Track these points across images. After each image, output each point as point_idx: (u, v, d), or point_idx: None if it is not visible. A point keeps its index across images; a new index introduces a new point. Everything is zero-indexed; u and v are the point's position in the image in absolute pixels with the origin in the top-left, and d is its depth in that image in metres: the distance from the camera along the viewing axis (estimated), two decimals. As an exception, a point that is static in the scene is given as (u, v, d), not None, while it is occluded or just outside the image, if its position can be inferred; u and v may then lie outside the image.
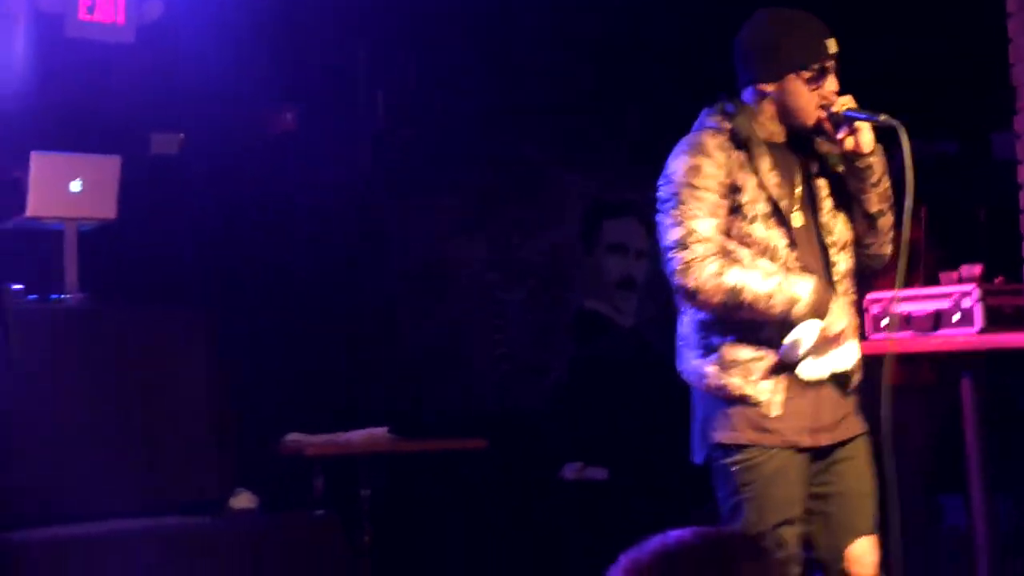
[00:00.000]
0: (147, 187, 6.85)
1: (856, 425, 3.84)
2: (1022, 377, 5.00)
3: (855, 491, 3.79)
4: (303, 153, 7.62)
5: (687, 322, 3.78)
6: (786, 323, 3.63)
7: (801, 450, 3.70)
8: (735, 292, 3.59)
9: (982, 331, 5.23)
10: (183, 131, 7.34)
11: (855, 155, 3.70)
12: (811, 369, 3.68)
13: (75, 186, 6.21)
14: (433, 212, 8.07)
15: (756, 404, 3.66)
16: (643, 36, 8.08)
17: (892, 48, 7.66)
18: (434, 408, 7.61)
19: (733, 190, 3.67)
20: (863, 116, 3.68)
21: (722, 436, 3.71)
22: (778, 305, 3.59)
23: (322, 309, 7.25)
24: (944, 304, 5.33)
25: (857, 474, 3.80)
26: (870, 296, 5.63)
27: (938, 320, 5.35)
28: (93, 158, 6.31)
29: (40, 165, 6.15)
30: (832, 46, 3.71)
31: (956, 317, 5.28)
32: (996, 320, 5.26)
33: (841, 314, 3.68)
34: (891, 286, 5.96)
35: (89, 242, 6.28)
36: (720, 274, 3.60)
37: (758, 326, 3.66)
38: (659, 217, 3.71)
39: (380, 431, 6.40)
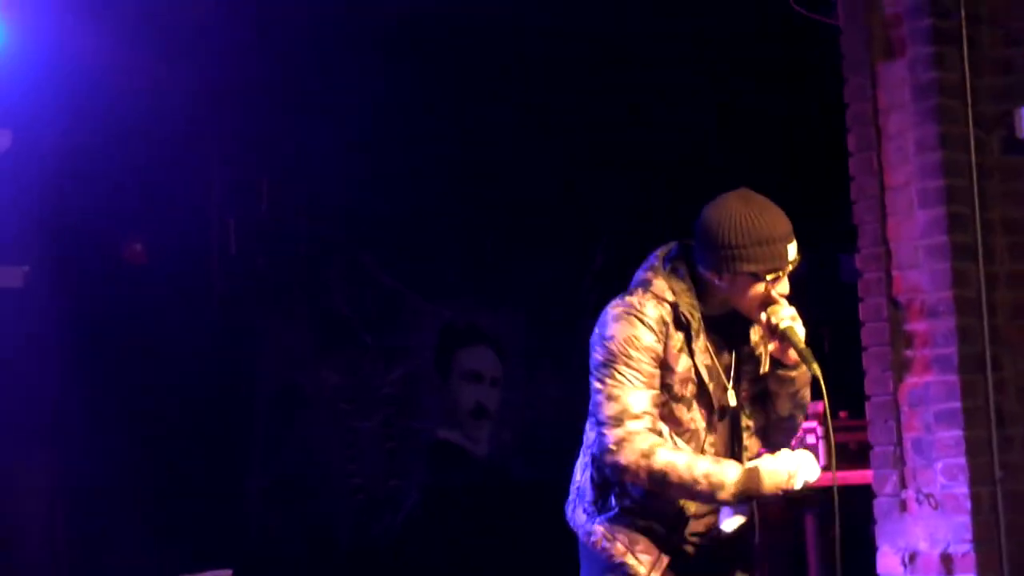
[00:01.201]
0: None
1: None
2: (868, 509, 5.01)
3: None
4: (153, 283, 7.50)
5: (586, 477, 3.74)
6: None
7: None
8: (662, 474, 3.53)
9: (825, 468, 5.27)
10: (28, 264, 7.19)
11: (781, 363, 3.66)
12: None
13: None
14: (286, 339, 7.97)
15: (634, 574, 3.65)
16: (497, 159, 8.11)
17: (739, 169, 7.77)
18: (282, 545, 7.46)
19: (665, 366, 3.62)
20: (791, 343, 3.60)
21: None
22: (704, 491, 3.55)
23: (165, 439, 7.10)
24: (789, 441, 5.36)
25: None
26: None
27: (783, 457, 5.37)
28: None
29: None
30: (792, 252, 3.61)
31: (800, 454, 5.31)
32: (839, 457, 5.30)
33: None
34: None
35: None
36: (650, 455, 3.53)
37: (652, 499, 3.63)
38: (593, 382, 3.63)
39: (225, 573, 6.24)
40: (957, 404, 4.86)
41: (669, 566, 3.64)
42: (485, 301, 8.28)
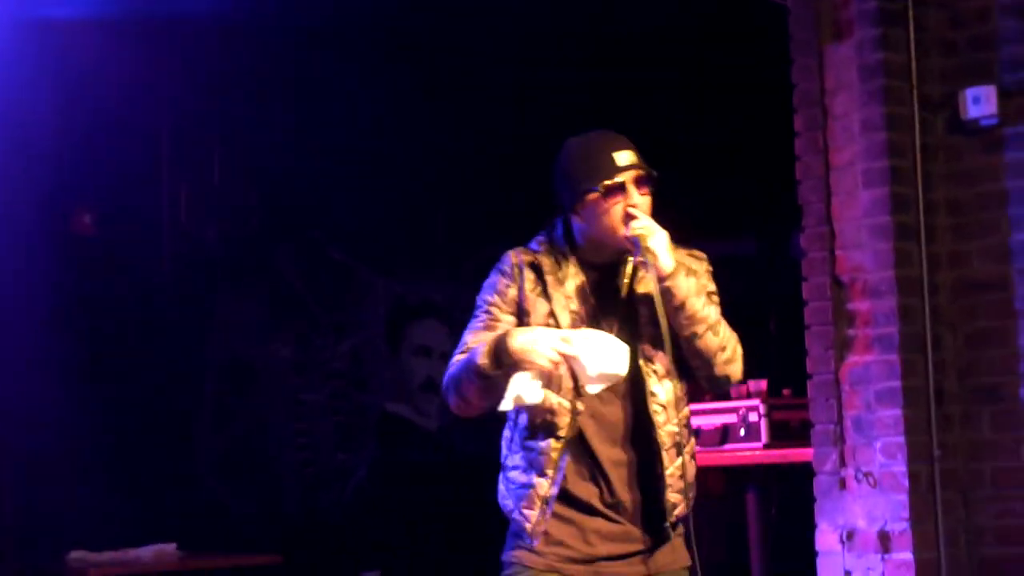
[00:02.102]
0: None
1: (668, 560, 3.67)
2: (807, 485, 5.05)
3: None
4: (103, 254, 7.46)
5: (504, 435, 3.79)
6: (497, 391, 3.53)
7: (578, 560, 3.64)
8: (456, 378, 3.56)
9: (767, 446, 5.33)
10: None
11: (660, 278, 3.58)
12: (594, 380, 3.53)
13: None
14: (236, 312, 7.95)
15: (523, 529, 3.64)
16: (449, 135, 8.11)
17: (691, 146, 7.79)
18: (229, 519, 7.45)
19: (523, 311, 3.63)
20: (636, 246, 3.56)
21: (503, 553, 3.70)
22: (472, 362, 3.51)
23: (114, 412, 7.07)
24: (731, 418, 5.43)
25: None
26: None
27: (725, 434, 5.44)
28: None
29: None
30: (623, 158, 3.62)
31: (742, 431, 5.37)
32: (781, 435, 5.36)
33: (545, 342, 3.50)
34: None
35: None
36: (448, 369, 3.60)
37: (533, 453, 3.62)
38: None
39: (169, 547, 6.24)
40: (897, 383, 4.89)
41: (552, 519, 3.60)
42: (436, 276, 8.29)
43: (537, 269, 3.64)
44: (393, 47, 7.63)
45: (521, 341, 3.45)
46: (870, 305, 5.00)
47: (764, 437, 5.33)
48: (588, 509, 3.63)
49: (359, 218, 8.20)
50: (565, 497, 3.62)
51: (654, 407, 3.60)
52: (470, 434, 8.11)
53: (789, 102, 5.37)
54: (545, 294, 3.61)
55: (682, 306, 3.55)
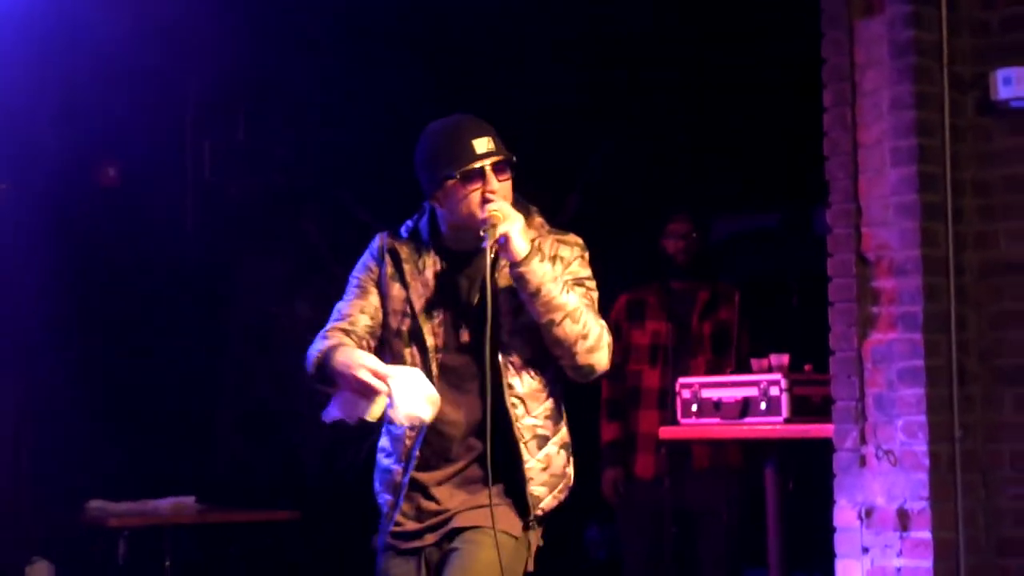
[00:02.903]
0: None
1: (472, 518, 3.63)
2: (828, 461, 5.06)
3: None
4: (127, 208, 7.48)
5: None
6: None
7: (404, 552, 3.67)
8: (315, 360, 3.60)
9: (787, 420, 5.33)
10: (3, 183, 7.16)
11: (513, 264, 3.57)
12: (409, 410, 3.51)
13: None
14: (259, 270, 7.97)
15: (383, 513, 3.72)
16: (474, 100, 8.08)
17: (715, 121, 7.77)
18: (248, 475, 7.49)
19: (384, 294, 3.69)
20: (484, 233, 3.55)
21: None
22: (309, 362, 3.60)
23: (137, 367, 7.10)
24: (752, 392, 5.43)
25: (461, 567, 3.58)
26: (681, 380, 5.72)
27: (746, 407, 5.44)
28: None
29: None
30: (481, 145, 3.65)
31: (763, 405, 5.38)
32: (802, 410, 5.36)
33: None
34: (702, 371, 6.12)
35: None
36: (311, 344, 3.64)
37: (393, 439, 3.67)
38: None
39: (187, 500, 6.28)
40: (920, 362, 4.89)
41: (408, 509, 3.65)
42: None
43: (396, 256, 3.68)
44: (421, 10, 7.61)
45: (342, 361, 3.48)
46: (895, 283, 4.99)
47: (785, 411, 5.32)
48: (433, 498, 3.65)
49: (383, 180, 8.19)
50: (416, 486, 3.65)
51: (511, 400, 3.59)
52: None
53: (818, 77, 5.35)
54: (402, 281, 3.65)
55: (537, 292, 3.53)
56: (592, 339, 3.59)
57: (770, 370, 5.44)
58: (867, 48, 5.17)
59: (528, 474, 3.61)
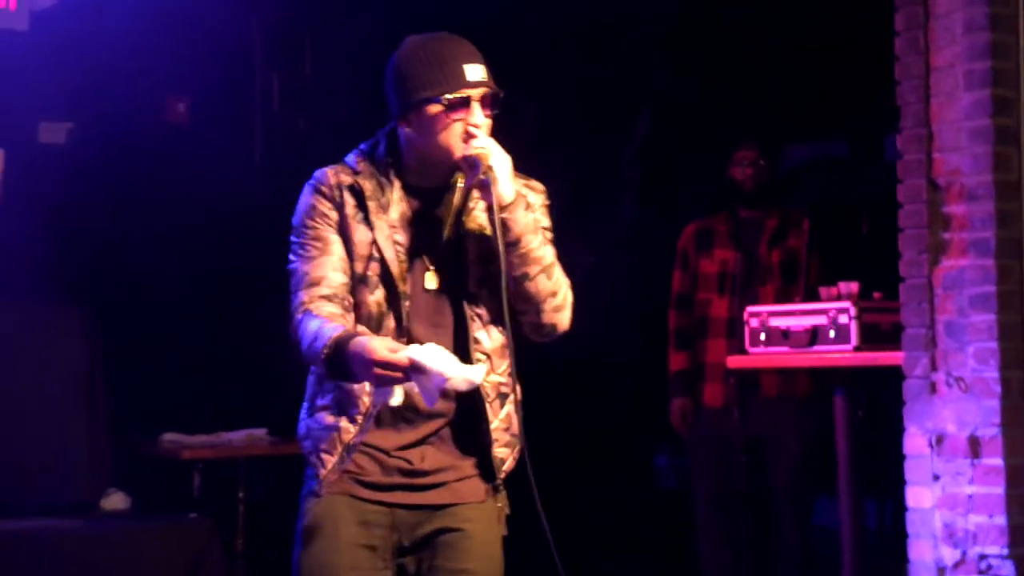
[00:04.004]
0: (33, 177, 6.74)
1: (462, 493, 3.39)
2: (898, 389, 5.03)
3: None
4: (196, 143, 7.51)
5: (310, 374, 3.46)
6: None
7: (362, 500, 3.36)
8: (297, 340, 3.27)
9: (856, 349, 5.30)
10: (73, 121, 7.21)
11: (491, 207, 3.26)
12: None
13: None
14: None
15: (316, 474, 3.36)
16: (538, 33, 8.04)
17: (784, 46, 7.69)
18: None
19: (345, 236, 3.33)
20: (475, 167, 3.24)
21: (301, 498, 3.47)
22: (312, 349, 3.21)
23: (207, 306, 7.15)
24: (821, 320, 5.41)
25: (463, 554, 3.35)
26: (749, 309, 5.69)
27: (815, 336, 5.42)
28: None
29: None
30: (474, 73, 3.28)
31: (832, 334, 5.35)
32: (871, 338, 5.33)
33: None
34: (771, 300, 6.09)
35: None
36: (299, 323, 3.28)
37: (344, 393, 3.32)
38: (287, 266, 3.42)
39: (260, 432, 6.34)
40: (992, 288, 4.84)
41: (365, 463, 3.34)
42: (526, 173, 8.25)
43: (358, 193, 3.32)
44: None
45: (356, 351, 3.09)
46: (966, 209, 4.93)
47: (854, 340, 5.28)
48: (387, 453, 3.35)
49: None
50: (370, 446, 3.33)
51: (477, 355, 3.30)
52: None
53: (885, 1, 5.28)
54: (367, 221, 3.31)
55: (517, 242, 3.25)
56: (560, 297, 3.33)
57: (839, 298, 5.41)
58: (939, -31, 5.09)
59: (493, 435, 3.35)
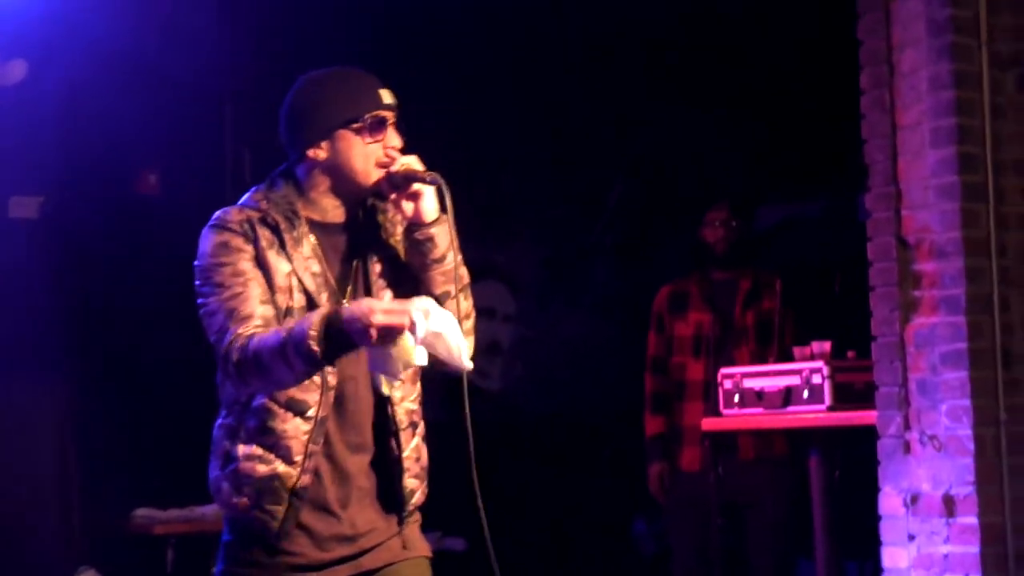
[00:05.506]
0: (4, 251, 6.71)
1: (398, 553, 3.35)
2: (872, 448, 5.00)
3: None
4: (168, 215, 7.49)
5: (218, 425, 3.35)
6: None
7: (308, 568, 3.27)
8: (256, 356, 3.09)
9: (830, 408, 5.28)
10: (44, 194, 7.19)
11: (415, 225, 3.25)
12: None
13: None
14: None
15: (265, 528, 3.24)
16: (515, 94, 8.07)
17: (761, 100, 7.72)
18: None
19: (264, 267, 3.22)
20: (419, 178, 3.23)
21: (219, 567, 3.36)
22: (293, 342, 3.04)
23: (179, 380, 7.10)
24: (794, 380, 5.39)
25: None
26: (723, 371, 5.67)
27: (789, 396, 5.40)
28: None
29: None
30: (387, 96, 3.31)
31: (806, 394, 5.33)
32: (845, 397, 5.31)
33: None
34: (746, 361, 6.07)
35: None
36: (246, 347, 3.11)
37: (274, 438, 3.20)
38: (200, 314, 3.27)
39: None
40: (963, 345, 4.83)
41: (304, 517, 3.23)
42: (498, 237, 8.26)
43: (271, 226, 3.23)
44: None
45: (352, 315, 2.98)
46: (936, 266, 4.94)
47: (828, 399, 5.27)
48: (323, 507, 3.26)
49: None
50: (310, 497, 3.22)
51: (394, 382, 3.24)
52: (532, 396, 8.10)
53: (855, 60, 5.29)
54: (284, 252, 3.22)
55: (442, 259, 3.25)
56: (471, 322, 3.32)
57: (812, 358, 5.40)
58: (904, 28, 5.11)
59: (405, 464, 3.30)
